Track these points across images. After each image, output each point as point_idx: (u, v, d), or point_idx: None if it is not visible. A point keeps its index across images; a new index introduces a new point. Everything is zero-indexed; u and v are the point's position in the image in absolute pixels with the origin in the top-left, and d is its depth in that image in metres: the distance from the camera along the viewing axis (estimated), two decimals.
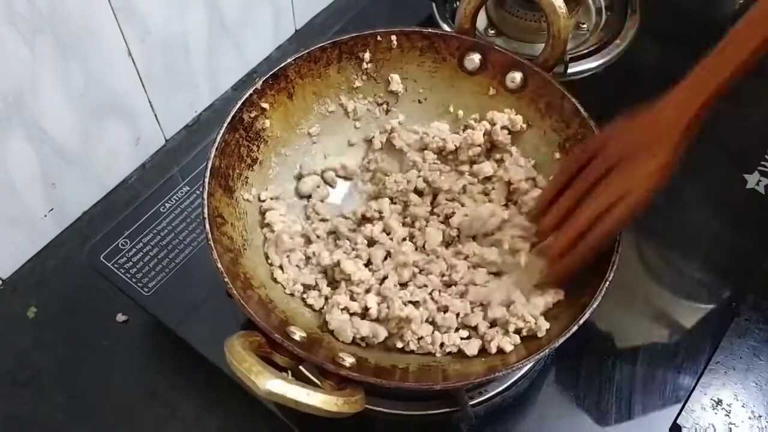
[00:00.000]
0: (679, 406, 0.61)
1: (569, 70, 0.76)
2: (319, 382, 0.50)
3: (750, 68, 0.51)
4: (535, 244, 0.59)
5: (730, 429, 0.60)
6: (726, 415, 0.61)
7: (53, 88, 0.64)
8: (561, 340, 0.50)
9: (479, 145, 0.66)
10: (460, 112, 0.68)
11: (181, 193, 0.70)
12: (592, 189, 0.52)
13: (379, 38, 0.66)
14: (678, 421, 0.60)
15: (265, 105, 0.63)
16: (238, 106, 0.60)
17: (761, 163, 0.76)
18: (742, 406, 0.62)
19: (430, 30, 0.66)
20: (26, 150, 0.65)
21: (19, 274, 0.71)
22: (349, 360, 0.52)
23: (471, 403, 0.59)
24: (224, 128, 0.59)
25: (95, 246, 0.66)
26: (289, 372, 0.48)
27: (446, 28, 0.84)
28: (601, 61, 0.82)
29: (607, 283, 0.53)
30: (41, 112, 0.64)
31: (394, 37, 0.66)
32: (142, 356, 0.66)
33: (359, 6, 0.92)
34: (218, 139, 0.58)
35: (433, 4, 0.85)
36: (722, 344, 0.64)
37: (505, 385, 0.61)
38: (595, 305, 0.52)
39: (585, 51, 0.82)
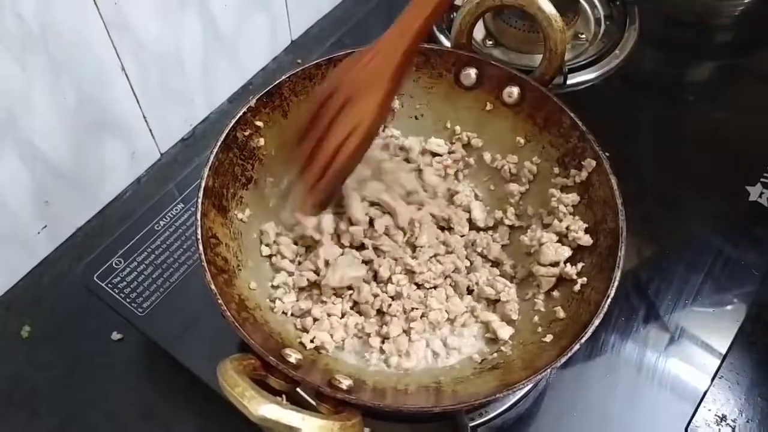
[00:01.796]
0: (684, 423, 0.60)
1: (568, 81, 0.76)
2: (315, 404, 0.49)
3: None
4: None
5: None
6: (731, 431, 0.60)
7: (45, 104, 0.64)
8: (562, 360, 0.49)
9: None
10: (458, 128, 0.68)
11: (176, 210, 0.69)
12: (331, 125, 0.58)
13: None
14: None
15: (259, 123, 0.62)
16: (231, 124, 0.60)
17: (764, 174, 0.75)
18: (747, 422, 0.61)
19: (425, 45, 0.65)
20: (19, 167, 0.64)
21: (12, 293, 0.71)
22: (346, 382, 0.51)
23: (471, 424, 0.58)
24: (217, 147, 0.58)
25: (88, 266, 0.65)
26: (284, 396, 0.47)
27: (443, 39, 0.83)
28: (600, 72, 0.81)
29: (609, 300, 0.52)
30: (33, 130, 0.64)
31: None
32: (138, 375, 0.65)
33: (356, 17, 0.91)
34: (211, 158, 0.57)
35: None
36: (726, 359, 0.64)
37: (506, 406, 0.60)
38: (596, 323, 0.51)
39: (584, 62, 0.81)
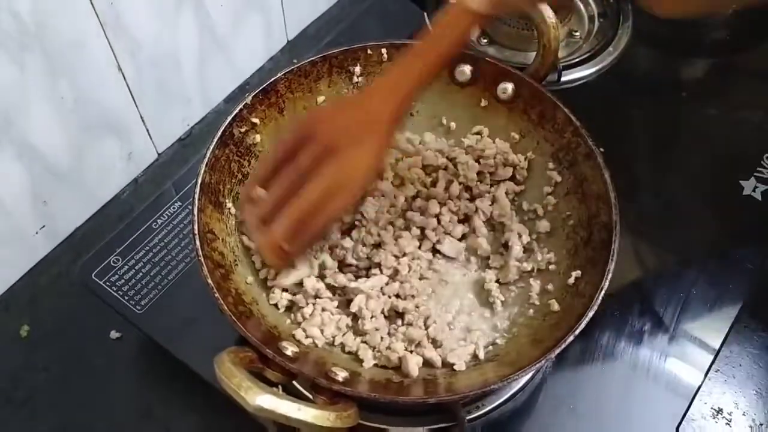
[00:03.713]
0: (680, 415, 0.61)
1: (562, 78, 0.76)
2: (311, 397, 0.50)
3: (446, 63, 0.54)
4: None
5: None
6: (726, 423, 0.61)
7: (43, 105, 0.64)
8: (557, 351, 0.50)
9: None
10: (453, 124, 0.68)
11: (173, 208, 0.69)
12: (307, 174, 0.52)
13: (369, 51, 0.66)
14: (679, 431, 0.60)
15: (256, 120, 0.62)
16: (228, 121, 0.60)
17: (757, 169, 0.76)
18: (743, 415, 0.61)
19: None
20: (16, 168, 0.65)
21: (11, 293, 0.71)
22: (341, 374, 0.51)
23: (468, 417, 0.58)
24: (214, 143, 0.58)
25: (86, 264, 0.65)
26: (280, 387, 0.47)
27: None
28: (594, 69, 0.82)
29: (602, 292, 0.52)
30: (31, 130, 0.64)
31: (384, 50, 0.66)
32: (137, 374, 0.65)
33: (351, 17, 0.91)
34: (208, 154, 0.58)
35: (425, 14, 0.85)
36: (722, 352, 0.64)
37: (503, 399, 0.60)
38: (590, 315, 0.51)
39: (578, 59, 0.81)
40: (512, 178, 0.66)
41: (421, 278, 0.61)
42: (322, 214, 0.52)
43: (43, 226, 0.71)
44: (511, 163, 0.65)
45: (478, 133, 0.67)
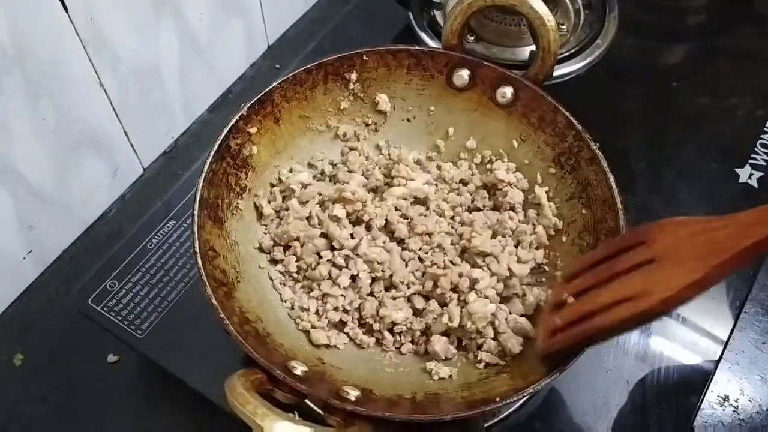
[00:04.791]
0: (694, 406, 0.61)
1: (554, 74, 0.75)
2: (324, 416, 0.49)
3: None
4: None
5: (740, 426, 0.60)
6: (734, 411, 0.61)
7: (24, 128, 0.62)
8: (570, 364, 0.49)
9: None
10: (451, 130, 0.67)
11: (168, 227, 0.67)
12: (617, 275, 0.49)
13: (365, 57, 0.64)
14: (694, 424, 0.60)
15: (252, 130, 0.61)
16: (224, 133, 0.58)
17: (751, 156, 0.76)
18: (749, 401, 0.62)
19: (416, 47, 0.65)
20: (1, 194, 0.63)
21: (1, 321, 0.69)
22: (353, 393, 0.50)
23: (486, 425, 0.57)
24: (211, 157, 0.57)
25: (82, 290, 0.63)
26: (296, 413, 0.46)
27: (424, 36, 0.82)
28: (584, 62, 0.81)
29: None
30: (13, 154, 0.62)
31: (379, 56, 0.64)
32: (138, 398, 0.64)
33: (333, 19, 0.89)
34: (205, 168, 0.56)
35: (410, 14, 0.84)
36: (725, 339, 0.64)
37: (519, 404, 0.60)
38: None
39: (566, 53, 0.81)
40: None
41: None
42: (606, 317, 0.48)
43: (31, 251, 0.69)
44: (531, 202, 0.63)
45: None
